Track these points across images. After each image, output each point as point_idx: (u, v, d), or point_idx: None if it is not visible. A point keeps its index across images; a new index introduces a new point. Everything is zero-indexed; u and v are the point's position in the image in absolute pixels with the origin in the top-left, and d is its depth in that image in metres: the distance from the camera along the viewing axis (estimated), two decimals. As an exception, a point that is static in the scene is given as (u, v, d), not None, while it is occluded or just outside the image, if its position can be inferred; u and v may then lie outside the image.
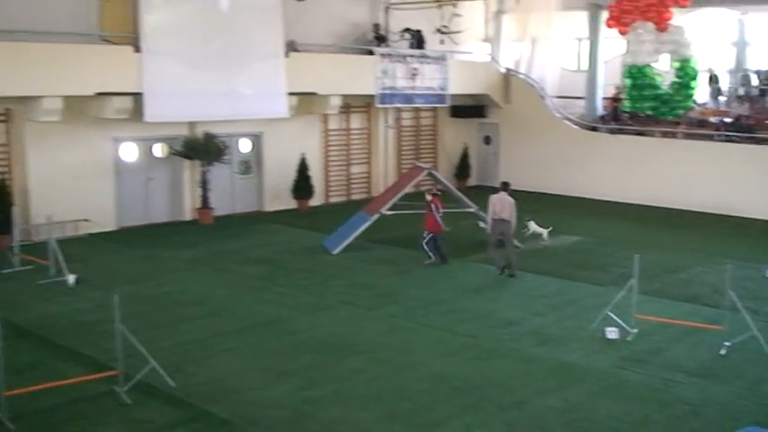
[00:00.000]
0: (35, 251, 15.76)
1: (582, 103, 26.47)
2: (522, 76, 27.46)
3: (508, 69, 27.33)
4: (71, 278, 14.38)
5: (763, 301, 13.60)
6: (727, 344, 11.24)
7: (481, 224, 18.68)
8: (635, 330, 11.79)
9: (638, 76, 22.55)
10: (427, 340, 11.73)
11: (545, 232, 18.26)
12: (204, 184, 20.59)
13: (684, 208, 22.83)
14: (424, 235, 16.30)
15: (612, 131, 25.33)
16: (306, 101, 22.08)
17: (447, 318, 12.77)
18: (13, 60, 16.76)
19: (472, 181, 27.59)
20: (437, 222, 16.14)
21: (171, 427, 8.81)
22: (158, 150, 20.58)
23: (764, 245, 17.96)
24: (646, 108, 23.10)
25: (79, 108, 18.35)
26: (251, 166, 22.51)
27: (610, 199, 24.31)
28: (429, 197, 16.34)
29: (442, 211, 16.23)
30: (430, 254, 16.24)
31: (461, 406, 9.39)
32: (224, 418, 8.97)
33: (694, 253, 17.56)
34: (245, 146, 22.34)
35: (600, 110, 26.04)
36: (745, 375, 10.43)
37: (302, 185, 22.77)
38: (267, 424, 8.86)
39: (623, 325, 11.83)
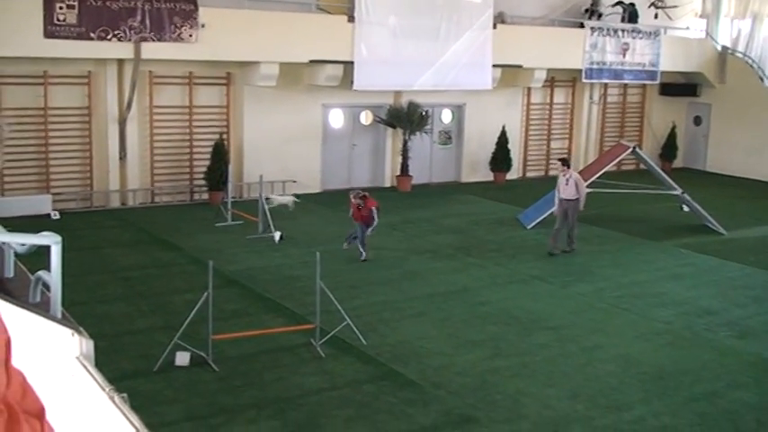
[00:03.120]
0: (246, 208, 16.72)
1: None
2: (740, 54, 25.84)
3: (725, 47, 25.80)
4: (277, 235, 15.15)
5: None
6: None
7: (685, 208, 17.97)
8: None
9: None
10: (618, 322, 11.46)
11: (290, 201, 16.32)
12: (405, 153, 20.98)
13: None
14: (357, 231, 14.15)
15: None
16: (510, 73, 21.91)
17: (640, 301, 12.40)
18: (236, 27, 17.77)
19: (678, 162, 26.39)
20: (370, 217, 13.97)
21: (360, 383, 9.15)
22: (364, 118, 21.17)
23: None
24: None
25: (293, 74, 19.17)
26: (451, 136, 22.68)
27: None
28: (356, 200, 13.94)
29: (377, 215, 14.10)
30: (361, 249, 14.14)
31: (649, 391, 9.13)
32: (411, 379, 9.20)
33: None
34: (446, 116, 22.54)
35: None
36: None
37: (500, 158, 22.67)
38: (452, 389, 9.00)
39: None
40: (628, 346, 10.48)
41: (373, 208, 13.95)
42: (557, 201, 15.19)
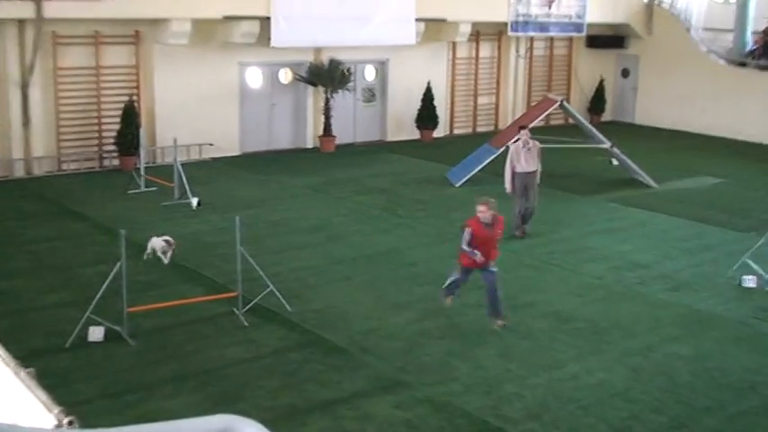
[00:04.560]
0: (160, 173, 16.33)
1: (730, 36, 25.06)
2: (666, 5, 26.18)
3: (651, -3, 26.15)
4: (194, 201, 14.85)
5: None
6: None
7: (614, 162, 18.22)
8: (776, 280, 11.29)
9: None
10: (549, 279, 11.57)
11: (162, 248, 11.83)
12: (327, 112, 20.74)
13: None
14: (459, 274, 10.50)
15: (762, 67, 23.91)
16: (434, 27, 21.78)
17: (571, 257, 12.53)
18: (142, -19, 17.19)
19: (607, 116, 26.74)
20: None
21: (286, 351, 9.05)
22: (283, 76, 20.83)
23: None
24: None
25: (206, 31, 18.70)
26: (375, 94, 22.50)
27: (757, 140, 23.09)
28: (487, 211, 9.61)
29: None
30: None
31: (582, 348, 9.25)
32: (338, 345, 9.14)
33: None
34: (369, 73, 22.33)
35: (750, 44, 24.62)
36: None
37: (426, 115, 22.60)
38: (380, 354, 8.97)
39: (763, 273, 11.31)
40: (560, 303, 10.59)
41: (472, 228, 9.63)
42: (509, 175, 13.41)
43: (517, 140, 13.80)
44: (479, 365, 8.74)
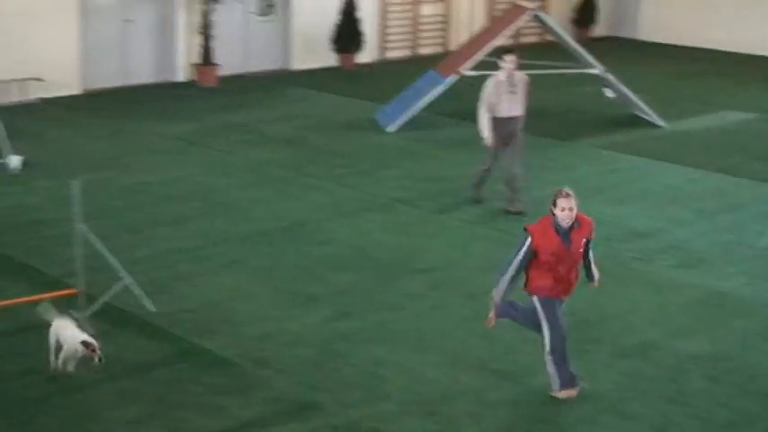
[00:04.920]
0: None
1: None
2: None
3: None
4: (14, 160, 14.73)
5: None
6: None
7: (608, 93, 18.56)
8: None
9: None
10: (516, 256, 11.81)
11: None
12: (206, 30, 20.66)
13: None
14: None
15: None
16: None
17: (548, 226, 12.80)
18: None
19: (601, 30, 27.15)
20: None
21: (149, 368, 9.07)
22: (140, -20, 20.70)
23: None
24: None
25: None
26: (274, 4, 22.47)
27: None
28: (569, 205, 8.82)
29: None
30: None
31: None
32: (222, 357, 9.21)
33: None
34: (265, -25, 22.32)
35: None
36: None
37: (347, 34, 22.68)
38: (282, 366, 9.08)
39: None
40: (531, 289, 10.83)
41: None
42: (486, 121, 13.26)
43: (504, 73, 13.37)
44: (419, 377, 8.91)
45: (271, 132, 17.25)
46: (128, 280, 10.13)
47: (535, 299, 8.48)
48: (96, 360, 8.68)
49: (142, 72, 20.73)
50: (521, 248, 8.33)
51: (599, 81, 18.31)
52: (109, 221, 12.14)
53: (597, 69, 17.97)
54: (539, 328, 8.54)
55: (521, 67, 13.71)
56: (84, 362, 8.70)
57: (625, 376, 9.02)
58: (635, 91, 18.07)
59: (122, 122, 17.68)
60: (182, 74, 21.15)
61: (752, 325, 10.10)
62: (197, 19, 20.78)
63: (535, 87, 18.25)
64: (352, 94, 20.01)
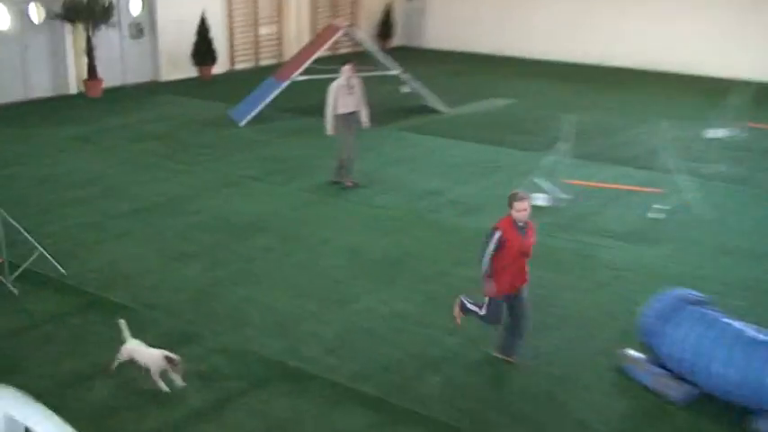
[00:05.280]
0: None
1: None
2: None
3: None
4: (-58, 162, 14.31)
5: (702, 163, 14.37)
6: (658, 206, 11.96)
7: (404, 89, 19.04)
8: (567, 196, 12.42)
9: None
10: (342, 215, 12.18)
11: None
12: (90, 52, 20.28)
13: (629, 66, 23.42)
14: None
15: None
16: (202, -48, 21.68)
17: (364, 190, 13.21)
18: None
19: (396, 41, 27.63)
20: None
21: (64, 316, 9.09)
22: (34, 14, 20.09)
23: (708, 103, 18.71)
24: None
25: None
26: (143, 29, 22.16)
27: (546, 58, 24.73)
28: (525, 207, 8.22)
29: None
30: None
31: (378, 280, 9.91)
32: (121, 304, 9.29)
33: (634, 114, 18.23)
34: (135, 6, 21.92)
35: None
36: (678, 238, 11.19)
37: (203, 50, 22.57)
38: (168, 307, 9.23)
39: (552, 191, 12.42)
40: (354, 237, 11.23)
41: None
42: (331, 118, 13.10)
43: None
44: (273, 308, 9.20)
45: (147, 130, 17.12)
46: (41, 250, 10.07)
47: (487, 299, 8.05)
48: (179, 379, 7.48)
49: (40, 87, 20.18)
50: (490, 241, 7.73)
51: (398, 80, 18.75)
52: (23, 206, 11.95)
53: (396, 71, 18.42)
54: (494, 314, 8.07)
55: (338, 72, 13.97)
56: (165, 375, 7.55)
57: (426, 297, 9.48)
58: (424, 86, 18.61)
59: (27, 128, 17.27)
60: (74, 87, 20.70)
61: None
62: (83, 43, 20.36)
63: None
64: (210, 98, 19.99)
